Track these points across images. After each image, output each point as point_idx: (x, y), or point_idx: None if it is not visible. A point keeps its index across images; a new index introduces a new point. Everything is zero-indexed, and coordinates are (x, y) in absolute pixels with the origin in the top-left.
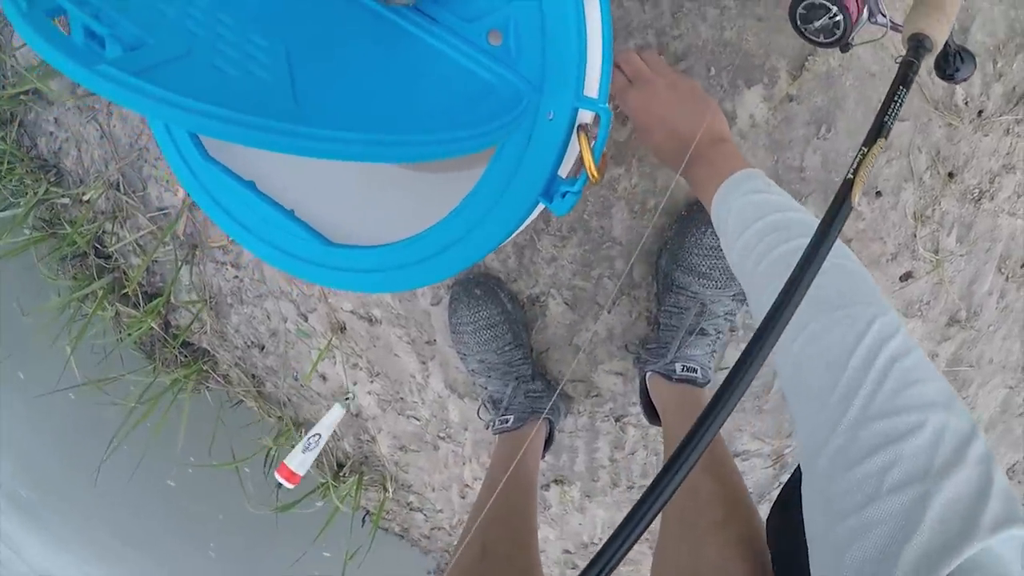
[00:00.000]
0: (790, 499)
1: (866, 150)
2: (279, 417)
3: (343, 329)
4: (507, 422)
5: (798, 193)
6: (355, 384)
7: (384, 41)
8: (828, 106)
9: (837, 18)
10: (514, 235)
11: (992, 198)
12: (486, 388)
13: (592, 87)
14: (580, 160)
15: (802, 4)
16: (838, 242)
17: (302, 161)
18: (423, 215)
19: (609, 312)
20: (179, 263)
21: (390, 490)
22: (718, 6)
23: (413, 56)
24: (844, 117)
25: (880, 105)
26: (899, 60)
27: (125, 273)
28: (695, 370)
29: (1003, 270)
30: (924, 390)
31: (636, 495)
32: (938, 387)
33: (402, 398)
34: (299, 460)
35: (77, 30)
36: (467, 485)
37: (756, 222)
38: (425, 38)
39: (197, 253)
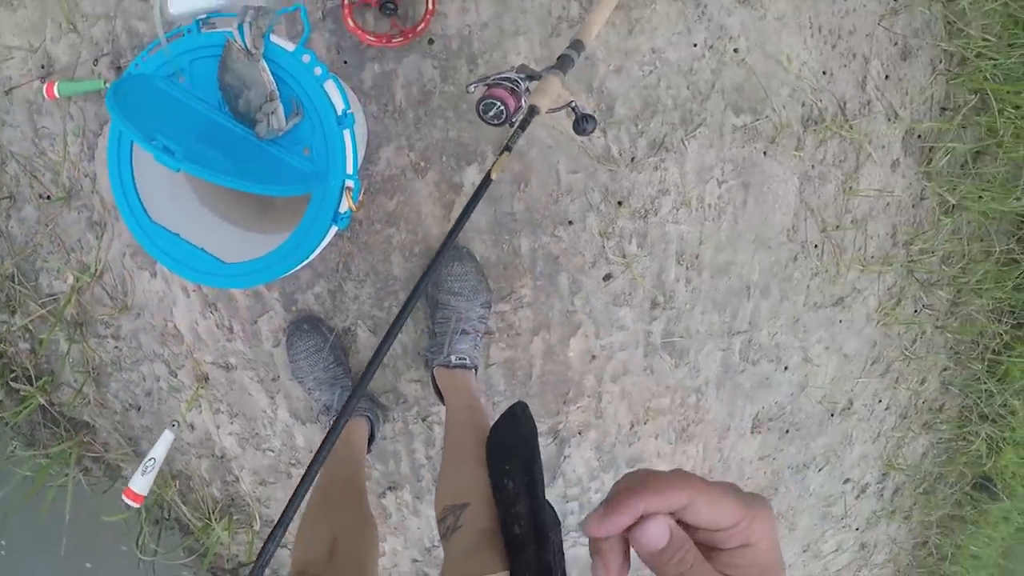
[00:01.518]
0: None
1: (500, 155)
2: (157, 474)
3: (207, 378)
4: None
5: (513, 230)
6: (218, 427)
7: (250, 146)
8: (524, 170)
9: (500, 108)
10: (319, 251)
11: (656, 213)
12: (320, 400)
13: (349, 168)
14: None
15: (480, 104)
16: None
17: (208, 224)
18: (268, 247)
19: (402, 331)
20: (70, 339)
21: (256, 527)
22: (443, 117)
23: (264, 154)
24: (535, 175)
25: (511, 134)
26: (525, 114)
27: (12, 359)
28: (464, 358)
29: (682, 262)
30: None
31: None
32: None
33: (257, 433)
34: (140, 482)
35: (158, 147)
36: None
37: None
38: (271, 149)
39: (81, 331)
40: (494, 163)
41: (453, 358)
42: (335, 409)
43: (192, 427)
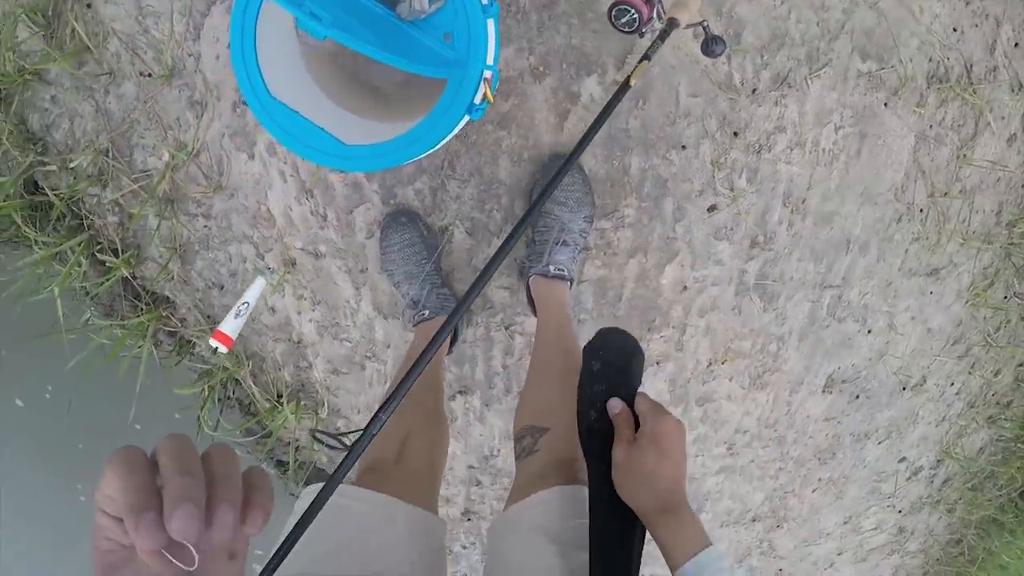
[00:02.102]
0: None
1: (639, 63)
2: (230, 352)
3: (294, 264)
4: (424, 314)
5: (625, 147)
6: (299, 313)
7: (391, 26)
8: (643, 87)
9: (634, 16)
10: (446, 140)
11: (770, 150)
12: (408, 294)
13: (490, 59)
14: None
15: (614, 8)
16: None
17: (326, 108)
18: (384, 137)
19: (498, 237)
20: (160, 215)
21: (322, 414)
22: (567, 23)
23: (404, 35)
24: (654, 94)
25: (651, 44)
26: (663, 29)
27: (99, 231)
28: (562, 270)
29: (787, 204)
30: None
31: None
32: None
33: (337, 322)
34: (231, 325)
35: (305, 12)
36: None
37: None
38: (411, 31)
39: (172, 208)
40: (633, 69)
41: (552, 268)
42: (422, 304)
43: (273, 311)
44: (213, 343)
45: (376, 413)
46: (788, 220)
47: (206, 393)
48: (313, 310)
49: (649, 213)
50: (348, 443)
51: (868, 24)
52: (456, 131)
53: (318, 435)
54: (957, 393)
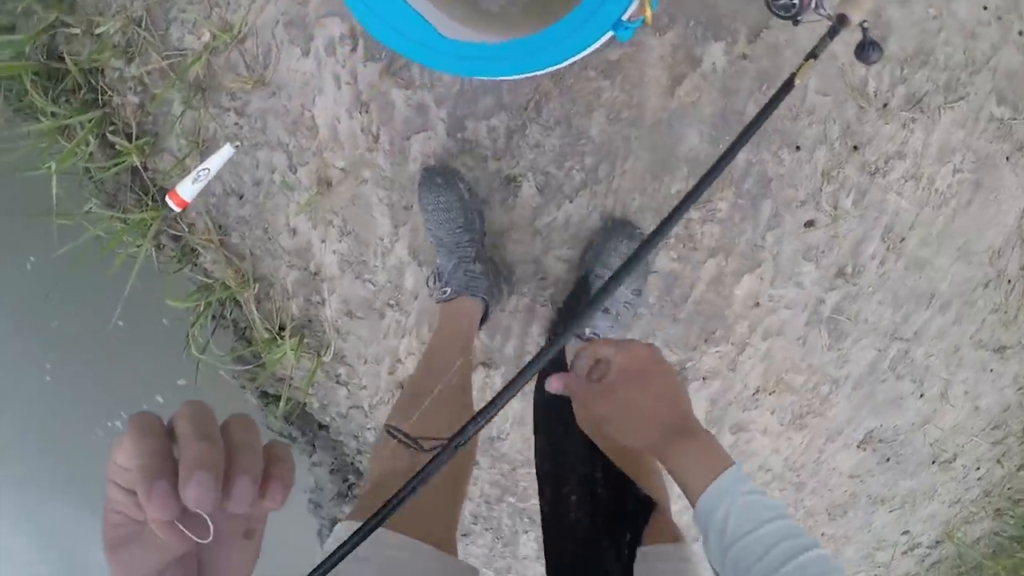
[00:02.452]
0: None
1: (804, 61)
2: (236, 270)
3: (329, 184)
4: (445, 292)
5: (736, 132)
6: (323, 242)
7: None
8: (771, 69)
9: (794, 1)
10: (581, 55)
11: (885, 176)
12: (437, 262)
13: None
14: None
15: None
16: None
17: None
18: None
19: (571, 202)
20: (186, 103)
21: (326, 357)
22: None
23: None
24: (782, 80)
25: (819, 40)
26: (832, 25)
27: (115, 111)
28: (598, 335)
29: (886, 239)
30: None
31: None
32: None
33: (364, 260)
34: (188, 189)
35: None
36: (400, 360)
37: (765, 525)
38: None
39: (202, 96)
40: (798, 68)
41: (587, 331)
42: (445, 279)
43: (293, 232)
44: (168, 202)
45: (469, 423)
46: (882, 257)
47: (201, 308)
48: (340, 241)
49: (743, 212)
50: (425, 447)
51: (1013, 66)
52: (592, 49)
53: (393, 430)
54: (979, 479)
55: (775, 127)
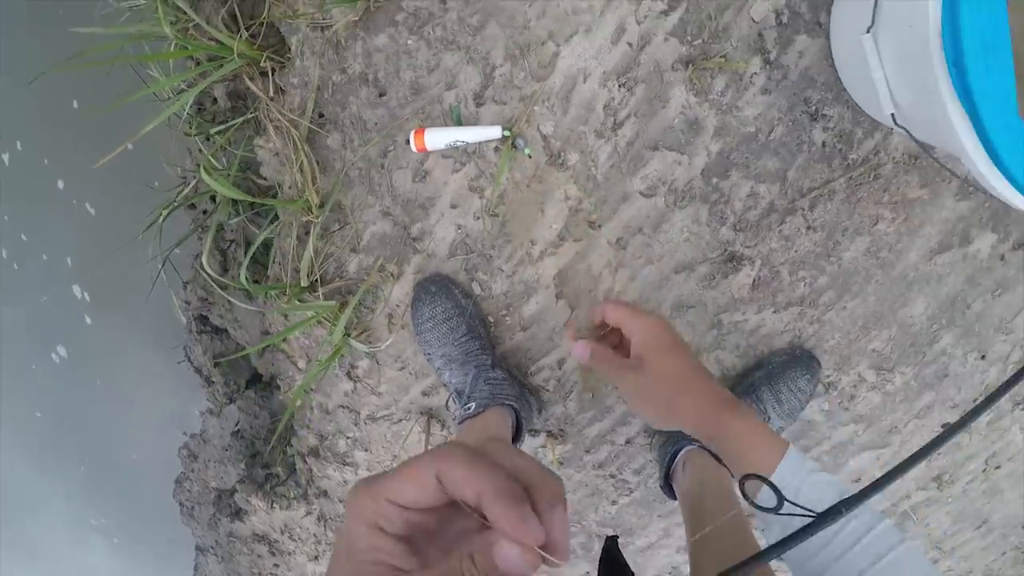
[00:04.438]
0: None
1: None
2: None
3: (514, 145)
4: (470, 409)
5: (949, 320)
6: (455, 207)
7: None
8: (1011, 281)
9: None
10: None
11: None
12: (451, 382)
13: None
14: None
15: None
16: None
17: None
18: None
19: (776, 312)
20: None
21: (357, 341)
22: None
23: None
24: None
25: None
26: None
27: None
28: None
29: (988, 462)
30: None
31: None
32: None
33: (491, 255)
34: (440, 137)
35: None
36: (425, 393)
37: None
38: None
39: None
40: None
41: None
42: (467, 395)
43: (424, 175)
44: (409, 137)
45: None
46: (975, 476)
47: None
48: (477, 219)
49: (907, 395)
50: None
51: None
52: None
53: (749, 489)
54: None
55: (985, 329)
